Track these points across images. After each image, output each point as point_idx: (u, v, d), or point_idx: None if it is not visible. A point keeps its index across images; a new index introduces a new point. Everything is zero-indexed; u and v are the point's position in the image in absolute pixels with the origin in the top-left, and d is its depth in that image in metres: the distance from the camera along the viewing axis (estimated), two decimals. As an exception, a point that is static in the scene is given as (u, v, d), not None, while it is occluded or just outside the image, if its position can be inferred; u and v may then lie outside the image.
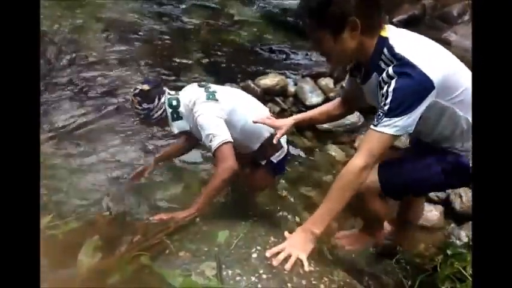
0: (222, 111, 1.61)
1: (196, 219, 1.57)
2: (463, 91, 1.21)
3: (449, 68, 1.18)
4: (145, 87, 1.65)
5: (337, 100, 1.59)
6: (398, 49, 1.15)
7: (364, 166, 1.19)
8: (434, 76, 1.13)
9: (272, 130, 1.63)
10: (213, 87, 1.70)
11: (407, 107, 1.13)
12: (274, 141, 1.54)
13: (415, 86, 1.12)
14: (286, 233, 1.31)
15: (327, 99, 2.61)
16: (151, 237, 1.34)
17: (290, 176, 2.04)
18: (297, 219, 1.83)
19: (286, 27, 4.16)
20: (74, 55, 3.09)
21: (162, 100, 1.65)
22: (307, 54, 3.56)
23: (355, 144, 2.33)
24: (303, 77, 3.05)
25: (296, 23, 4.33)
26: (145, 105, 1.64)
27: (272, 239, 1.34)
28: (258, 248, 1.25)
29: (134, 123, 2.39)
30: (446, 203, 1.94)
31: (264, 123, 1.58)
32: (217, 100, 1.62)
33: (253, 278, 1.09)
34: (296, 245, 1.19)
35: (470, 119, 1.23)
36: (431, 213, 1.91)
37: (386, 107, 1.14)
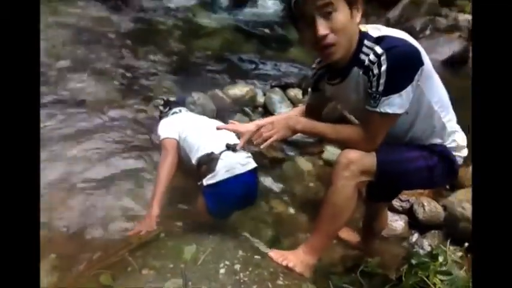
0: (172, 125, 1.85)
1: (161, 234, 1.52)
2: (436, 82, 1.24)
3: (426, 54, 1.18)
4: (171, 98, 2.19)
5: (301, 109, 1.58)
6: (377, 33, 1.16)
7: (372, 150, 1.21)
8: (421, 50, 1.14)
9: (212, 149, 1.60)
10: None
11: (402, 82, 1.12)
12: (238, 148, 1.57)
13: (406, 56, 1.12)
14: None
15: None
16: (112, 254, 1.29)
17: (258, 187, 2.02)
18: (268, 232, 1.79)
19: (255, 38, 4.20)
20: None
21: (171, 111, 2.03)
22: (276, 65, 3.60)
23: (323, 155, 2.35)
24: (272, 87, 3.06)
25: (265, 33, 4.41)
26: (161, 108, 2.12)
27: (241, 253, 1.32)
28: (227, 263, 1.23)
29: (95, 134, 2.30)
30: (410, 213, 2.00)
31: (226, 129, 1.59)
32: (168, 116, 1.99)
33: (220, 295, 1.06)
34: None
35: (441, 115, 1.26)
36: (397, 223, 1.96)
37: (381, 87, 1.12)
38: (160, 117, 2.06)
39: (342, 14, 1.12)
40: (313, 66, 1.44)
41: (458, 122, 1.37)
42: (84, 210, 1.75)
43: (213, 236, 1.51)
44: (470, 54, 4.32)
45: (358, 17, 1.17)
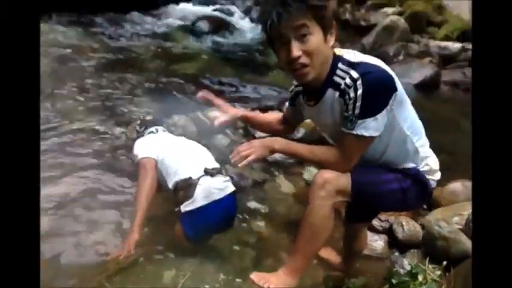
0: (149, 144, 1.80)
1: (140, 258, 1.48)
2: (409, 108, 1.28)
3: (398, 81, 1.23)
4: (148, 117, 2.11)
5: (277, 116, 1.62)
6: (355, 59, 1.21)
7: (347, 170, 1.23)
8: (394, 77, 1.19)
9: (190, 174, 1.57)
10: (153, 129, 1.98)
11: (377, 106, 1.16)
12: (216, 123, 1.54)
13: (381, 82, 1.17)
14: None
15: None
16: (89, 281, 1.24)
17: (239, 209, 2.00)
18: (250, 254, 1.75)
19: (235, 62, 4.28)
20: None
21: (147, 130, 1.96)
22: (255, 88, 3.66)
23: (304, 176, 2.37)
24: (252, 109, 3.10)
25: (245, 57, 4.50)
26: (137, 128, 2.03)
27: (222, 276, 1.30)
28: (207, 287, 1.21)
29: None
30: (390, 232, 2.02)
31: (211, 100, 1.57)
32: (144, 136, 1.93)
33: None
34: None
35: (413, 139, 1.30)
36: (376, 242, 1.97)
37: (357, 110, 1.16)
38: (137, 137, 1.98)
39: (315, 37, 1.17)
40: (293, 84, 1.48)
41: (431, 143, 1.42)
42: (59, 235, 1.68)
43: (192, 259, 1.48)
44: (441, 79, 4.55)
45: (331, 41, 1.22)
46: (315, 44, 1.17)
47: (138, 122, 2.08)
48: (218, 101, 1.58)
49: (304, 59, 1.18)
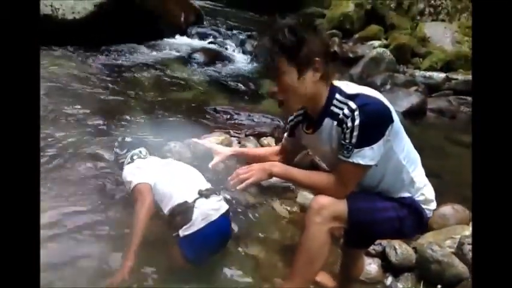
0: (142, 169, 1.78)
1: (134, 285, 1.47)
2: (404, 138, 1.32)
3: (395, 112, 1.28)
4: (127, 139, 2.00)
5: (277, 148, 1.65)
6: (352, 91, 1.26)
7: (342, 197, 1.25)
8: (391, 109, 1.24)
9: (185, 198, 1.59)
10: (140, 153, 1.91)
11: (374, 136, 1.20)
12: (210, 166, 1.60)
13: (378, 113, 1.21)
14: None
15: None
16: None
17: (235, 234, 2.01)
18: (246, 279, 1.74)
19: (229, 91, 4.39)
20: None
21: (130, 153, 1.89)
22: (249, 116, 3.74)
23: (297, 199, 2.40)
24: (246, 136, 3.18)
25: (238, 86, 4.62)
26: (117, 150, 1.96)
27: (216, 303, 1.28)
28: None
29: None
30: (383, 256, 2.03)
31: (203, 144, 1.66)
32: (133, 161, 1.86)
33: None
34: None
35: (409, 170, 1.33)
36: (370, 266, 1.97)
37: (354, 139, 1.19)
38: (117, 160, 1.94)
39: (288, 77, 1.24)
40: (294, 114, 1.52)
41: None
42: (48, 262, 1.65)
43: (186, 286, 1.47)
44: (427, 106, 4.70)
45: (312, 76, 1.25)
46: (287, 83, 1.25)
47: (116, 144, 1.99)
48: (209, 144, 1.65)
49: (280, 95, 1.28)
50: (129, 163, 1.85)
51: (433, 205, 1.44)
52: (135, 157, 1.86)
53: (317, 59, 1.23)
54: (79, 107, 3.21)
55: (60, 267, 1.62)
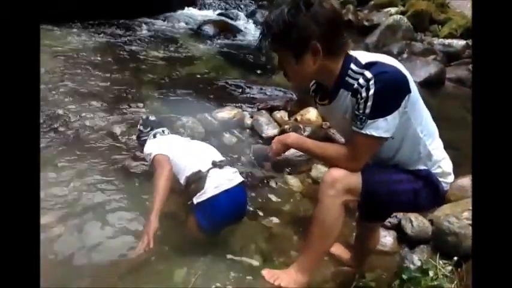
0: (162, 143, 1.85)
1: (152, 257, 1.50)
2: (422, 110, 1.28)
3: (413, 82, 1.23)
4: (151, 118, 2.06)
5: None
6: (368, 59, 1.21)
7: (356, 170, 1.24)
8: (409, 78, 1.19)
9: (199, 167, 1.64)
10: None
11: (388, 107, 1.16)
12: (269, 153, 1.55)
13: (394, 82, 1.17)
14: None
15: (282, 131, 2.69)
16: (101, 280, 1.25)
17: (249, 207, 2.02)
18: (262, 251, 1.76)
19: (240, 64, 4.31)
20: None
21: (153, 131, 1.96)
22: (261, 89, 3.68)
23: (311, 173, 2.38)
24: (259, 110, 3.13)
25: (250, 59, 4.54)
26: (141, 128, 2.01)
27: (232, 274, 1.31)
28: (218, 285, 1.22)
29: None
30: (399, 228, 2.02)
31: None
32: (155, 137, 1.94)
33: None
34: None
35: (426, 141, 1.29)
36: (386, 238, 1.97)
37: (367, 110, 1.16)
38: (139, 137, 2.00)
39: (285, 61, 1.26)
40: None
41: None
42: (71, 236, 1.70)
43: (204, 257, 1.50)
44: (446, 76, 4.53)
45: (311, 58, 1.21)
46: (287, 68, 1.27)
47: (141, 121, 2.06)
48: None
49: (286, 75, 1.31)
50: (145, 138, 1.95)
51: (451, 178, 1.40)
52: (158, 135, 1.94)
53: (313, 42, 1.18)
54: (93, 82, 3.21)
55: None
